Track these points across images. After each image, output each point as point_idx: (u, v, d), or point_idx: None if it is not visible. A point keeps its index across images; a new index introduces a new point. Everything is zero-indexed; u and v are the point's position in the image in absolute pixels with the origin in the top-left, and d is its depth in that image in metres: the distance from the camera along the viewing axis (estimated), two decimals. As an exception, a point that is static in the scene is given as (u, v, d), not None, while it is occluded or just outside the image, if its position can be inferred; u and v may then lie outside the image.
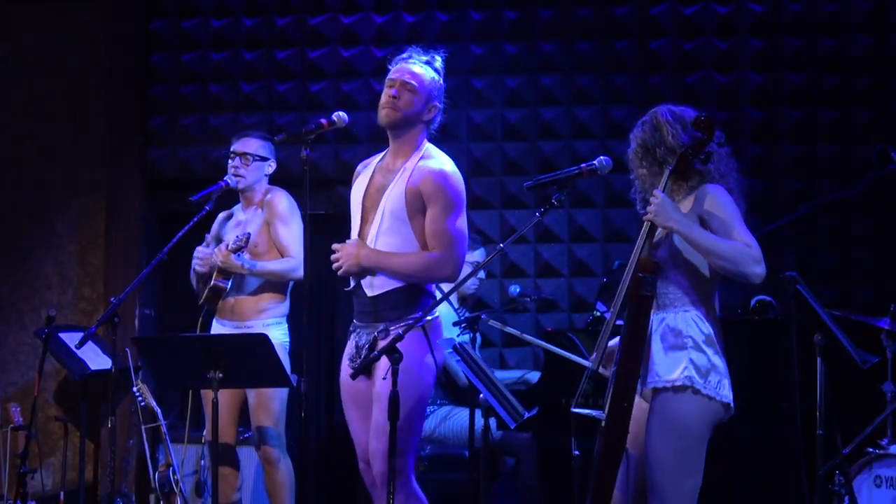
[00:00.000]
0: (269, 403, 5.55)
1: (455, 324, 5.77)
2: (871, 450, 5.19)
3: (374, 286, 4.32)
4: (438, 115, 4.46)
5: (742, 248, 3.76)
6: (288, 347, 5.63)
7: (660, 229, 3.91)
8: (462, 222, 4.33)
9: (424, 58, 4.46)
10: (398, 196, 4.30)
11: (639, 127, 4.04)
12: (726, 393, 3.85)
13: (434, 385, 4.40)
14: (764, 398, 5.79)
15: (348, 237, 4.44)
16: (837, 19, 6.94)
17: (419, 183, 4.29)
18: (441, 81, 4.46)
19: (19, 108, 7.60)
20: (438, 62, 4.47)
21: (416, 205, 4.28)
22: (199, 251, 5.67)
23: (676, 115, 4.02)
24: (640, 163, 4.01)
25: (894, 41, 6.90)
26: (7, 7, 7.61)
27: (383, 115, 4.38)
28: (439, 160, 4.36)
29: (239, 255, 5.43)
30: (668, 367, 3.82)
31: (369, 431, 4.34)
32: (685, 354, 3.82)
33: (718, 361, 3.86)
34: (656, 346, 3.86)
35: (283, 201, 5.68)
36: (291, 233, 5.61)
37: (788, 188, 6.86)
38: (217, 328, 5.67)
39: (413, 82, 4.38)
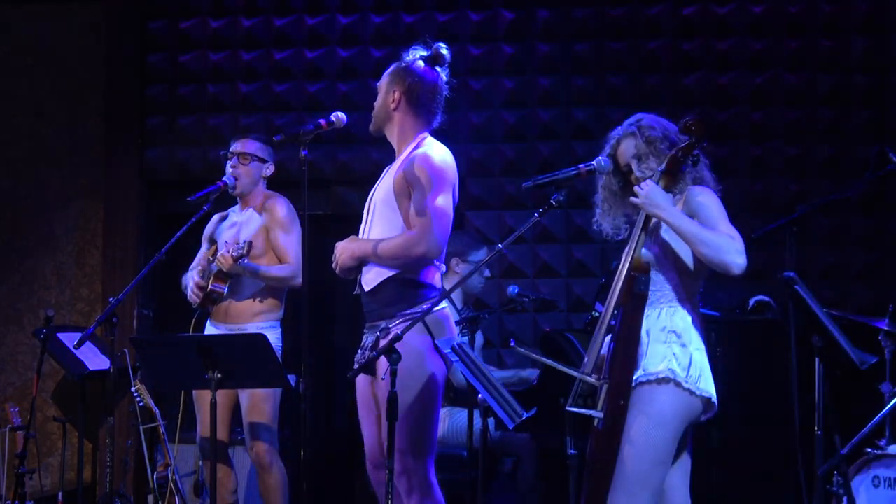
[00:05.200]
0: (262, 405, 5.54)
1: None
2: (869, 450, 5.20)
3: (368, 280, 4.33)
4: (417, 101, 4.38)
5: (725, 238, 3.81)
6: (280, 352, 5.62)
7: (652, 225, 3.94)
8: (443, 201, 4.27)
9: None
10: (387, 184, 4.34)
11: (634, 127, 4.05)
12: (706, 388, 3.88)
13: (444, 381, 4.36)
14: (762, 398, 5.80)
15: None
16: (836, 20, 6.95)
17: (405, 169, 4.30)
18: (408, 65, 4.42)
19: (17, 109, 7.60)
20: (413, 52, 4.45)
21: (403, 191, 4.29)
22: (197, 281, 5.60)
23: (662, 122, 4.06)
24: (647, 161, 4.00)
25: (892, 42, 6.91)
26: (4, 7, 7.61)
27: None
28: (428, 147, 4.35)
29: (241, 261, 5.43)
30: (653, 361, 3.85)
31: (377, 434, 4.34)
32: (669, 349, 3.86)
33: (701, 357, 3.90)
34: (643, 342, 3.89)
35: (283, 208, 5.68)
36: (291, 240, 5.61)
37: (786, 189, 6.87)
38: (210, 331, 5.65)
39: (378, 85, 4.49)
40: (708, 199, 3.95)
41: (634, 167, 4.03)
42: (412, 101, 4.39)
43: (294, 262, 5.54)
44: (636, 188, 3.91)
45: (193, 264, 5.74)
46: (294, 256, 5.55)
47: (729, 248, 3.79)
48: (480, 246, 6.31)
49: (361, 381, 4.40)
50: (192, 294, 5.60)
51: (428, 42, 4.48)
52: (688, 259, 3.93)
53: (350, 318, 7.16)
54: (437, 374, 4.28)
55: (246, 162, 5.70)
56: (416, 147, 4.36)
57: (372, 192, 4.49)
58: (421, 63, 4.42)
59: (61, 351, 6.37)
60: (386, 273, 4.28)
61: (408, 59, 4.44)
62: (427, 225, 4.23)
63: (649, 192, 3.86)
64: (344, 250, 4.35)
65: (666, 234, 3.94)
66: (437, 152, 4.34)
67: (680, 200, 3.98)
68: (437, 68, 4.45)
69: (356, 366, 4.38)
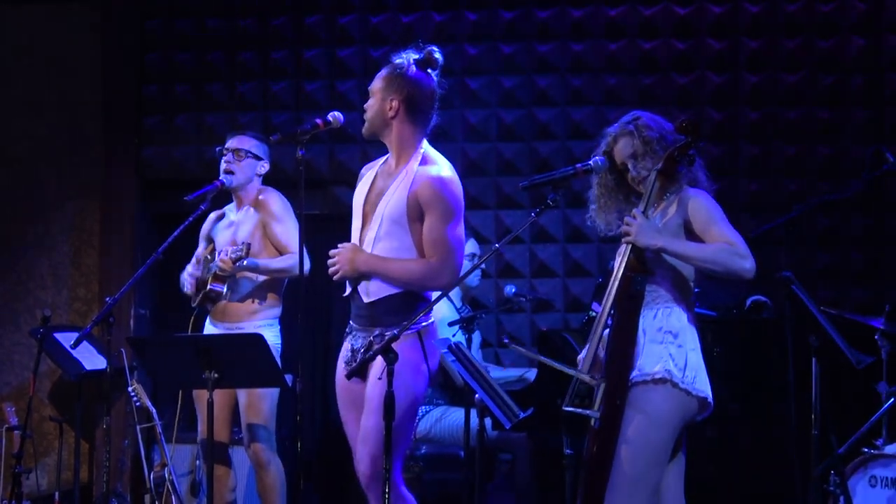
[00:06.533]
0: (260, 404, 5.54)
1: (451, 324, 5.77)
2: (866, 450, 5.20)
3: (370, 293, 4.29)
4: (416, 109, 4.33)
5: (724, 248, 3.81)
6: (280, 350, 5.62)
7: None
8: (460, 230, 4.30)
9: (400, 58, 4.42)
10: (399, 202, 4.27)
11: (631, 126, 4.05)
12: (702, 388, 3.89)
13: (427, 389, 4.37)
14: (759, 398, 5.80)
15: (347, 240, 4.42)
16: (833, 20, 6.95)
17: (418, 189, 4.25)
18: (403, 72, 4.34)
19: (13, 108, 7.58)
20: (405, 56, 4.39)
21: (415, 211, 4.25)
22: (188, 273, 5.66)
23: (659, 121, 4.06)
24: (644, 161, 4.00)
25: (889, 42, 6.92)
26: (2, 7, 7.60)
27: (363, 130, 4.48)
28: (439, 166, 4.31)
29: (240, 263, 5.43)
30: (649, 361, 3.86)
31: None
32: (665, 349, 3.86)
33: (696, 357, 3.91)
34: (639, 342, 3.89)
35: (276, 201, 5.69)
36: (288, 230, 5.61)
37: (784, 188, 6.87)
38: (209, 330, 5.66)
39: (370, 88, 4.42)
40: (703, 202, 3.95)
41: (631, 167, 4.03)
42: (411, 110, 4.34)
43: (295, 251, 5.53)
44: (623, 227, 3.90)
45: (191, 262, 5.75)
46: (294, 246, 5.53)
47: (731, 258, 3.79)
48: (468, 238, 6.30)
49: (346, 387, 4.39)
50: (188, 285, 5.63)
51: (419, 45, 4.43)
52: (680, 262, 3.93)
53: (347, 318, 7.14)
54: (419, 384, 4.27)
55: (240, 158, 5.70)
56: (423, 162, 4.31)
57: (366, 190, 4.41)
58: (415, 68, 4.36)
59: (58, 351, 6.37)
60: (392, 289, 4.27)
61: (401, 62, 4.37)
62: (449, 257, 4.23)
63: (639, 229, 3.86)
64: (347, 261, 4.29)
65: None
66: (449, 174, 4.30)
67: (674, 202, 3.99)
68: (430, 71, 4.40)
69: (343, 364, 4.38)
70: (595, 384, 3.88)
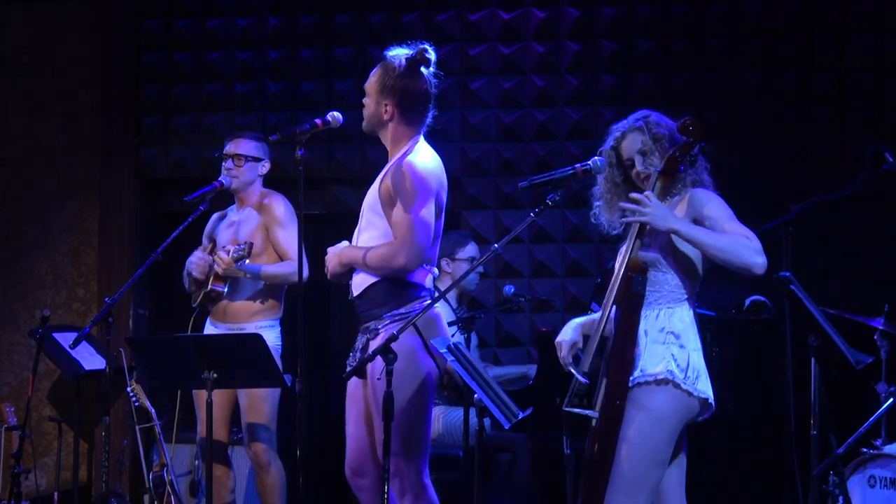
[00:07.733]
0: (261, 405, 5.54)
1: (449, 324, 5.76)
2: (865, 450, 5.20)
3: (356, 285, 4.35)
4: (410, 111, 4.36)
5: (742, 240, 3.80)
6: (280, 351, 5.62)
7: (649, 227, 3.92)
8: (426, 212, 4.25)
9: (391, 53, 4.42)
10: (374, 191, 4.34)
11: (642, 122, 4.04)
12: (704, 389, 3.89)
13: (436, 379, 4.34)
14: (758, 398, 5.80)
15: (344, 239, 4.47)
16: (834, 19, 6.95)
17: (388, 175, 4.30)
18: (395, 74, 4.35)
19: (12, 108, 7.58)
20: (397, 54, 4.39)
21: (388, 199, 4.28)
22: (198, 256, 5.65)
23: (667, 120, 4.05)
24: (651, 158, 4.00)
25: (891, 41, 6.92)
26: (0, 6, 7.59)
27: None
28: (414, 153, 4.33)
29: (241, 263, 5.43)
30: (651, 361, 3.85)
31: (364, 437, 4.33)
32: (667, 350, 3.86)
33: (698, 358, 3.91)
34: (641, 342, 3.89)
35: (280, 206, 5.69)
36: (291, 236, 5.61)
37: (783, 188, 6.87)
38: (210, 330, 5.66)
39: (366, 87, 4.45)
40: (713, 202, 3.94)
41: (638, 163, 4.01)
42: (405, 112, 4.37)
43: (296, 257, 5.53)
44: (634, 206, 3.86)
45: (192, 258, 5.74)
46: (294, 252, 5.54)
47: (748, 251, 3.78)
48: (467, 242, 6.32)
49: (352, 383, 4.39)
50: (195, 270, 5.61)
51: (412, 43, 4.42)
52: (689, 260, 3.92)
53: (346, 318, 7.15)
54: (427, 374, 4.26)
55: (240, 164, 5.70)
56: (405, 153, 4.34)
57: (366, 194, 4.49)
58: (407, 68, 4.36)
59: (57, 351, 6.37)
60: (371, 278, 4.29)
61: (392, 63, 4.37)
62: (407, 237, 4.22)
63: (655, 210, 3.83)
64: (333, 256, 4.38)
65: (668, 235, 3.92)
66: (421, 159, 4.31)
67: (681, 202, 3.98)
68: (423, 69, 4.39)
69: (348, 368, 4.39)
70: (583, 382, 3.87)
